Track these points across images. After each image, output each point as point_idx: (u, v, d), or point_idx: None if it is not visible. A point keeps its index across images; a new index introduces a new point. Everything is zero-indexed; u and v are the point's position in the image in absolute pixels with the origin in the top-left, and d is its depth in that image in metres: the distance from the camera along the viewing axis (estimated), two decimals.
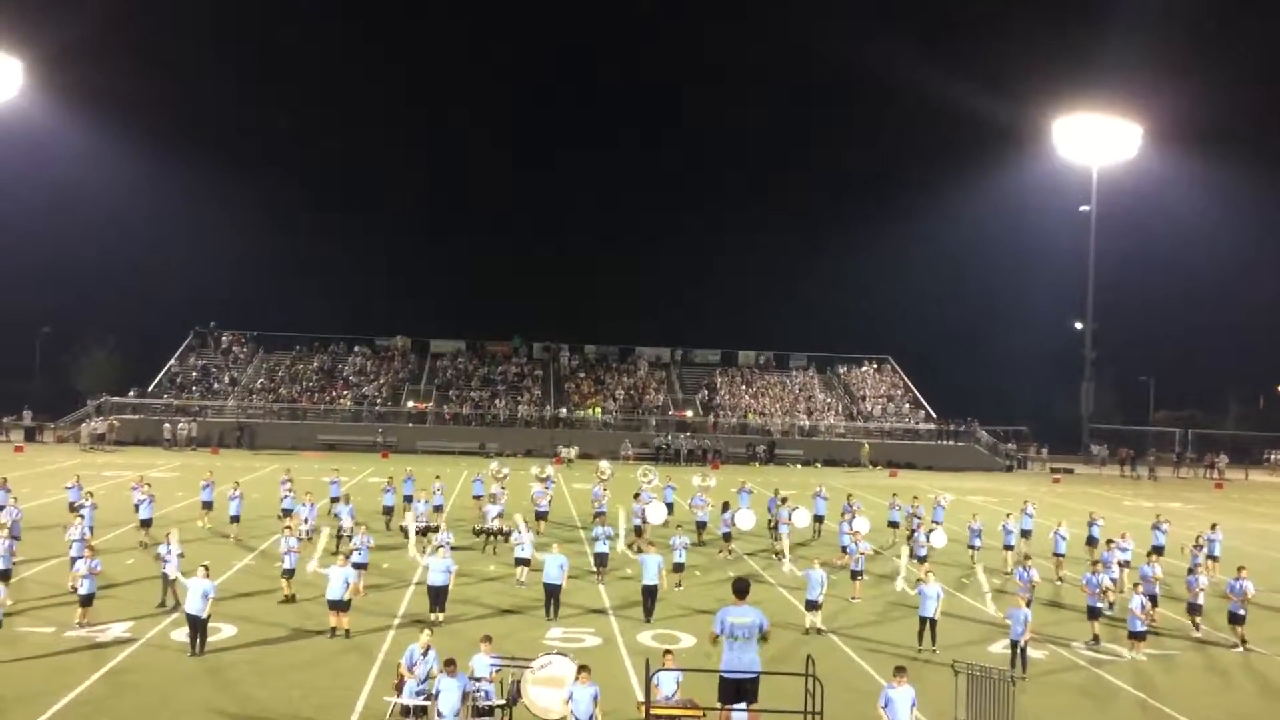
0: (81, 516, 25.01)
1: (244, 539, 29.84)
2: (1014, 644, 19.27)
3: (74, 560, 21.88)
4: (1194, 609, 23.21)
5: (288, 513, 30.51)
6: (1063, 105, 77.76)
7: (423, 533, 27.67)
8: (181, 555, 22.08)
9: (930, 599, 20.58)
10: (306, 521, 28.07)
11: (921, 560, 26.27)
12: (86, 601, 20.22)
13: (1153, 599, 23.24)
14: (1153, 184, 79.84)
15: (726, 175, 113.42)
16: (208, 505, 32.11)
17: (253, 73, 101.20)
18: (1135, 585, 22.38)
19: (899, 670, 14.79)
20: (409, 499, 33.71)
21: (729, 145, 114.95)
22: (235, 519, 30.50)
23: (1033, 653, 19.94)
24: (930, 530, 28.01)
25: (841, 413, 72.52)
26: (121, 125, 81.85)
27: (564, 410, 68.84)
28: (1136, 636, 20.98)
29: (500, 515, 29.67)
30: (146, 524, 28.66)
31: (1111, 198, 78.49)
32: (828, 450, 66.60)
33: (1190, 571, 24.18)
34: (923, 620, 20.72)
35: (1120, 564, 26.32)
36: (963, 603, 25.21)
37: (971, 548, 29.82)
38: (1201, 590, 23.17)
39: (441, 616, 21.16)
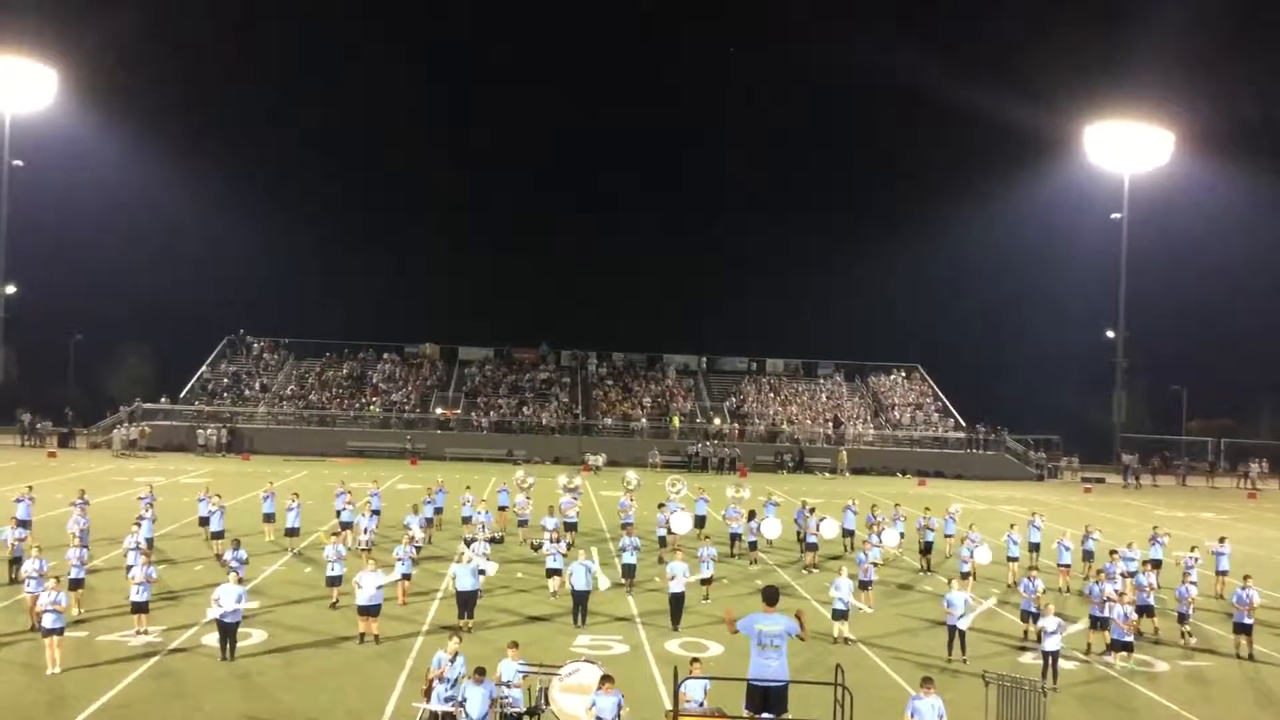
0: (138, 525, 25.18)
1: (303, 551, 29.44)
2: (1046, 654, 19.14)
3: (129, 568, 22.08)
4: (1182, 618, 23.03)
5: (347, 525, 30.13)
6: (1094, 112, 77.33)
7: (492, 541, 27.66)
8: (246, 562, 22.34)
9: (956, 607, 20.47)
10: (366, 532, 27.91)
11: (965, 576, 26.05)
12: (141, 608, 20.37)
13: (1148, 610, 23.06)
14: (1185, 191, 79.15)
15: (754, 182, 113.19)
16: (269, 517, 31.24)
17: (287, 80, 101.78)
18: (1121, 594, 22.13)
19: (926, 681, 14.67)
20: (439, 511, 33.72)
21: (758, 153, 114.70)
22: (294, 531, 29.76)
23: (1064, 664, 19.79)
24: (974, 545, 27.61)
25: (870, 421, 72.25)
26: (154, 132, 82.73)
27: (643, 421, 69.01)
28: (1120, 646, 20.77)
29: (558, 528, 29.31)
30: (218, 536, 28.38)
31: (1143, 205, 77.95)
32: (857, 459, 66.41)
33: (1181, 581, 24.00)
34: (952, 630, 20.61)
35: (1124, 574, 26.03)
36: (990, 614, 25.04)
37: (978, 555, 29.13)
38: (1190, 600, 23.02)
39: (470, 623, 21.18)
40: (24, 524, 26.46)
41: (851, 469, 64.68)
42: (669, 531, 30.62)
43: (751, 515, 31.66)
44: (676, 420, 69.06)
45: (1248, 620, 21.92)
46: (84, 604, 21.78)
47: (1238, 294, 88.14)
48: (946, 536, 33.00)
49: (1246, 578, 22.64)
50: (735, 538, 31.72)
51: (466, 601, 21.44)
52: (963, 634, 20.55)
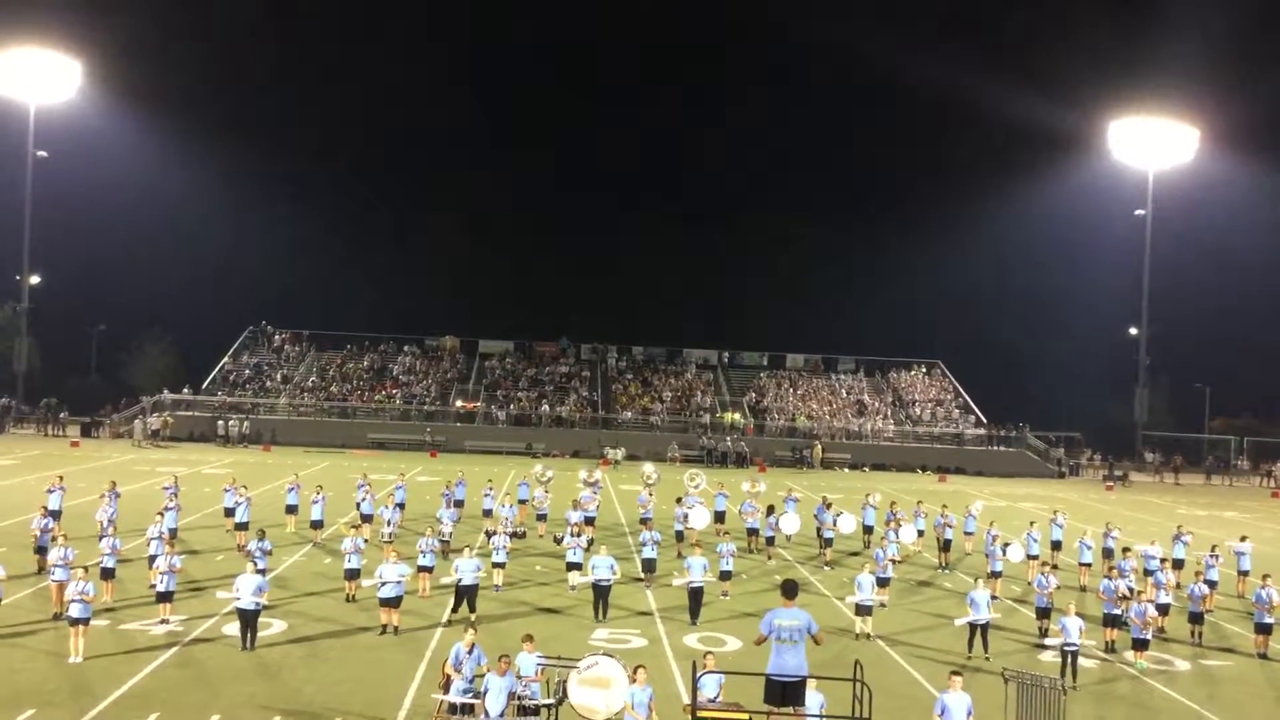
0: (161, 515, 25.31)
1: (325, 543, 29.31)
2: (1066, 653, 19.05)
3: (152, 558, 22.17)
4: (1193, 618, 22.89)
5: (367, 518, 30.12)
6: (1119, 108, 76.77)
7: (515, 536, 27.68)
8: (270, 553, 22.50)
9: (981, 606, 20.40)
10: (389, 524, 27.96)
11: (995, 575, 25.98)
12: (166, 598, 20.48)
13: (1164, 608, 22.93)
14: (1209, 188, 78.60)
15: (775, 179, 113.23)
16: (292, 509, 31.30)
17: (306, 74, 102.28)
18: (1139, 593, 22.02)
19: (955, 674, 14.56)
20: (460, 503, 33.64)
21: (778, 149, 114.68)
22: (318, 524, 29.77)
23: (1083, 662, 19.71)
24: (1007, 543, 27.45)
25: (890, 417, 72.02)
26: (177, 125, 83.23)
27: (705, 416, 68.77)
28: (1139, 644, 20.62)
29: (586, 522, 29.18)
30: (242, 527, 28.28)
31: (1168, 202, 77.40)
32: (876, 454, 66.33)
33: (1194, 579, 23.91)
34: (973, 627, 20.53)
35: (1145, 572, 25.95)
36: (1009, 611, 24.97)
37: (987, 555, 28.12)
38: (1204, 600, 22.91)
39: (474, 616, 21.05)
40: (54, 514, 26.62)
41: (871, 464, 64.59)
42: (687, 526, 30.58)
43: (770, 510, 31.59)
44: (729, 416, 68.88)
45: (1268, 620, 21.81)
46: (114, 593, 21.89)
47: (1262, 292, 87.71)
48: (967, 534, 32.88)
49: (1266, 577, 22.51)
50: (753, 533, 31.66)
51: (464, 594, 21.42)
52: (985, 631, 20.48)
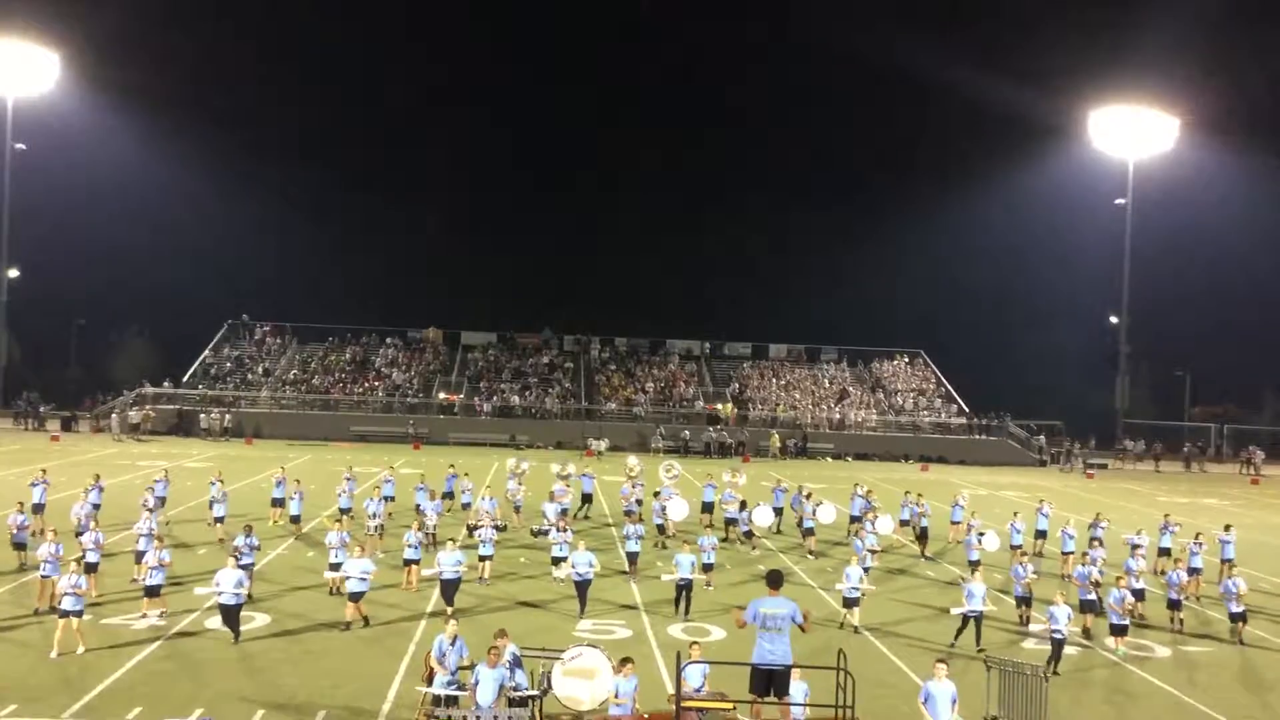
0: (149, 510, 25.15)
1: (309, 535, 29.35)
2: (1053, 640, 19.10)
3: (139, 554, 22.06)
4: (1173, 604, 23.05)
5: (345, 512, 29.89)
6: (1099, 97, 76.98)
7: (498, 529, 27.65)
8: (257, 548, 22.42)
9: (977, 598, 20.41)
10: (374, 517, 27.90)
11: (974, 564, 26.07)
12: (154, 593, 20.37)
13: (1140, 594, 23.06)
14: (1189, 177, 79.01)
15: (759, 170, 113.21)
16: (278, 503, 31.24)
17: (290, 67, 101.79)
18: (1118, 579, 22.14)
19: (940, 664, 14.49)
20: (449, 495, 33.60)
21: (762, 141, 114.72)
22: (296, 519, 29.83)
23: (1064, 649, 19.80)
24: (982, 533, 27.54)
25: (873, 407, 72.20)
26: (158, 118, 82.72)
27: (699, 405, 68.83)
28: (1117, 630, 20.71)
29: (561, 514, 29.14)
30: (221, 521, 28.35)
31: (1148, 191, 77.72)
32: (859, 444, 66.49)
33: (1173, 567, 24.11)
34: (965, 618, 20.49)
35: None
36: (992, 600, 25.06)
37: (966, 545, 28.22)
38: (1182, 587, 23.08)
39: (451, 610, 20.94)
40: (38, 508, 26.45)
41: (854, 454, 64.76)
42: (666, 518, 30.52)
43: (743, 505, 31.53)
44: (726, 409, 68.93)
45: (1238, 609, 22.03)
46: (96, 587, 21.79)
47: (1241, 280, 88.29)
48: (953, 524, 32.93)
49: (1232, 567, 22.71)
50: (731, 523, 31.68)
51: (448, 588, 21.38)
52: (979, 622, 20.42)
